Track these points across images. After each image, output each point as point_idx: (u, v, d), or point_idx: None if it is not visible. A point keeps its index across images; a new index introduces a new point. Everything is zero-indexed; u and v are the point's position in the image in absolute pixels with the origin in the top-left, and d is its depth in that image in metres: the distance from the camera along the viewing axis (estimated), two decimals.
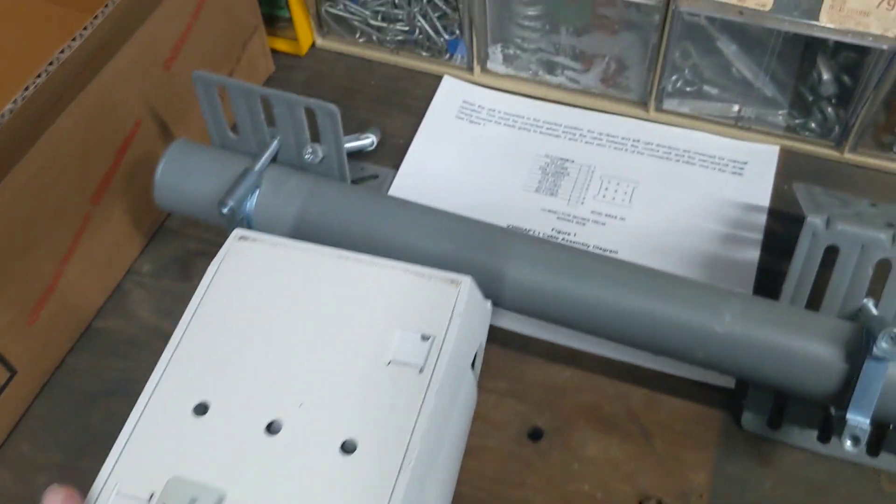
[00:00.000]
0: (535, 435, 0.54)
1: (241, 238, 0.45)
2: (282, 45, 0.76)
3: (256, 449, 0.40)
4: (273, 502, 0.38)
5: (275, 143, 0.54)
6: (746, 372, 0.49)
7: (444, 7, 0.69)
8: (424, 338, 0.41)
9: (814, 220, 0.50)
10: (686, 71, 0.66)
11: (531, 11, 0.66)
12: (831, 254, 0.50)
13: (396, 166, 0.68)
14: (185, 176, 0.55)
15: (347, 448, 0.40)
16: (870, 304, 0.50)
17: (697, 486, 0.51)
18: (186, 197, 0.55)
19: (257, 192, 0.54)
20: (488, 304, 0.48)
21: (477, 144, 0.69)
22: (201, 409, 0.42)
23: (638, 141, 0.68)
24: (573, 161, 0.67)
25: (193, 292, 0.45)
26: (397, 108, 0.72)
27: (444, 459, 0.43)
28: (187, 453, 0.40)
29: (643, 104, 0.69)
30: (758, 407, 0.53)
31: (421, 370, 0.42)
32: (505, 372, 0.57)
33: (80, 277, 0.57)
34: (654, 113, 0.69)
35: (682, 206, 0.64)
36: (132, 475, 0.40)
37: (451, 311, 0.41)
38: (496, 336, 0.58)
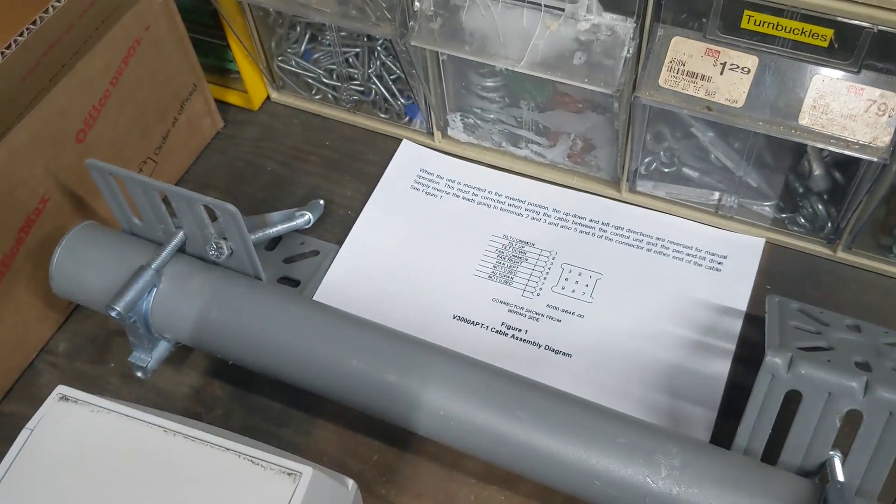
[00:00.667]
0: None
1: (62, 398, 0.40)
2: (234, 97, 0.70)
3: None
4: None
5: (179, 236, 0.49)
6: None
7: (398, 71, 0.63)
8: None
9: (773, 361, 0.43)
10: (661, 154, 0.59)
11: (489, 83, 0.59)
12: (796, 396, 0.44)
13: (341, 241, 0.62)
14: (82, 267, 0.50)
15: None
16: (836, 459, 0.43)
17: None
18: (83, 289, 0.50)
19: (155, 291, 0.48)
20: (349, 487, 0.41)
21: (431, 220, 0.63)
22: None
23: (607, 224, 0.62)
24: (533, 244, 0.61)
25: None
26: (350, 174, 0.66)
27: None
28: None
29: (615, 183, 0.62)
30: None
31: None
32: (432, 492, 0.51)
33: None
34: (628, 194, 0.62)
35: (648, 305, 0.57)
36: None
37: None
38: (425, 448, 0.52)
